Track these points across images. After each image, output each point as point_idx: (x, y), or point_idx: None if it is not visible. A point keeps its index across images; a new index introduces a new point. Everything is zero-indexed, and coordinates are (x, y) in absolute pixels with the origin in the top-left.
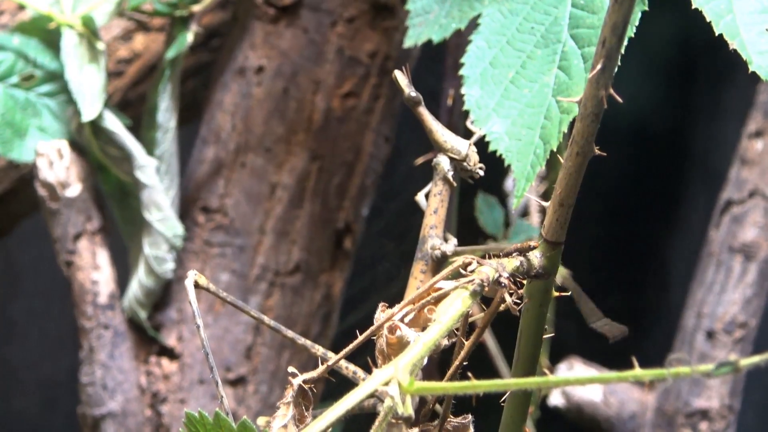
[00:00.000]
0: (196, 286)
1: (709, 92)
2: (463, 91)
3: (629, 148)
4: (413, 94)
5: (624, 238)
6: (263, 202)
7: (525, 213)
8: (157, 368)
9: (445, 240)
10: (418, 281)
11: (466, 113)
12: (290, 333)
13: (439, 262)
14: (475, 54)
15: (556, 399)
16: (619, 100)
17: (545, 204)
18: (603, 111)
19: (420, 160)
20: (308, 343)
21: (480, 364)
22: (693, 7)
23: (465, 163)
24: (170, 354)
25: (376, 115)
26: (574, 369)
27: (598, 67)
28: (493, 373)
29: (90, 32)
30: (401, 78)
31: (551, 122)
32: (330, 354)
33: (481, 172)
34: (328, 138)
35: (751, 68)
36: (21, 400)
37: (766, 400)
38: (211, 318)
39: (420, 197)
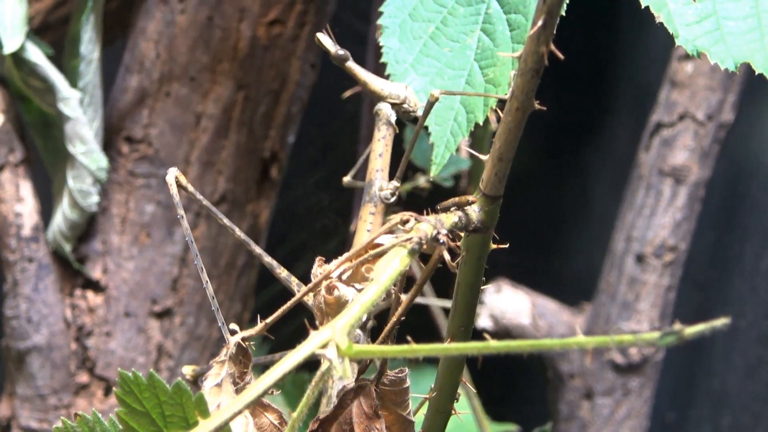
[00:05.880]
0: (178, 184)
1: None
2: (381, 41)
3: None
4: (340, 52)
5: (550, 160)
6: (188, 132)
7: None
8: (82, 301)
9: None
10: (368, 224)
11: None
12: (257, 249)
13: (388, 204)
14: (394, 3)
15: (484, 322)
16: (561, 56)
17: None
18: (543, 67)
19: (347, 93)
20: (275, 263)
21: (413, 314)
22: None
23: (405, 105)
24: (95, 287)
25: (302, 42)
26: (502, 291)
27: (539, 23)
28: (429, 323)
29: None
30: (324, 39)
31: (474, 89)
32: (292, 277)
33: (421, 111)
34: (254, 66)
35: (677, 42)
36: None
37: (696, 322)
38: (136, 249)
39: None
